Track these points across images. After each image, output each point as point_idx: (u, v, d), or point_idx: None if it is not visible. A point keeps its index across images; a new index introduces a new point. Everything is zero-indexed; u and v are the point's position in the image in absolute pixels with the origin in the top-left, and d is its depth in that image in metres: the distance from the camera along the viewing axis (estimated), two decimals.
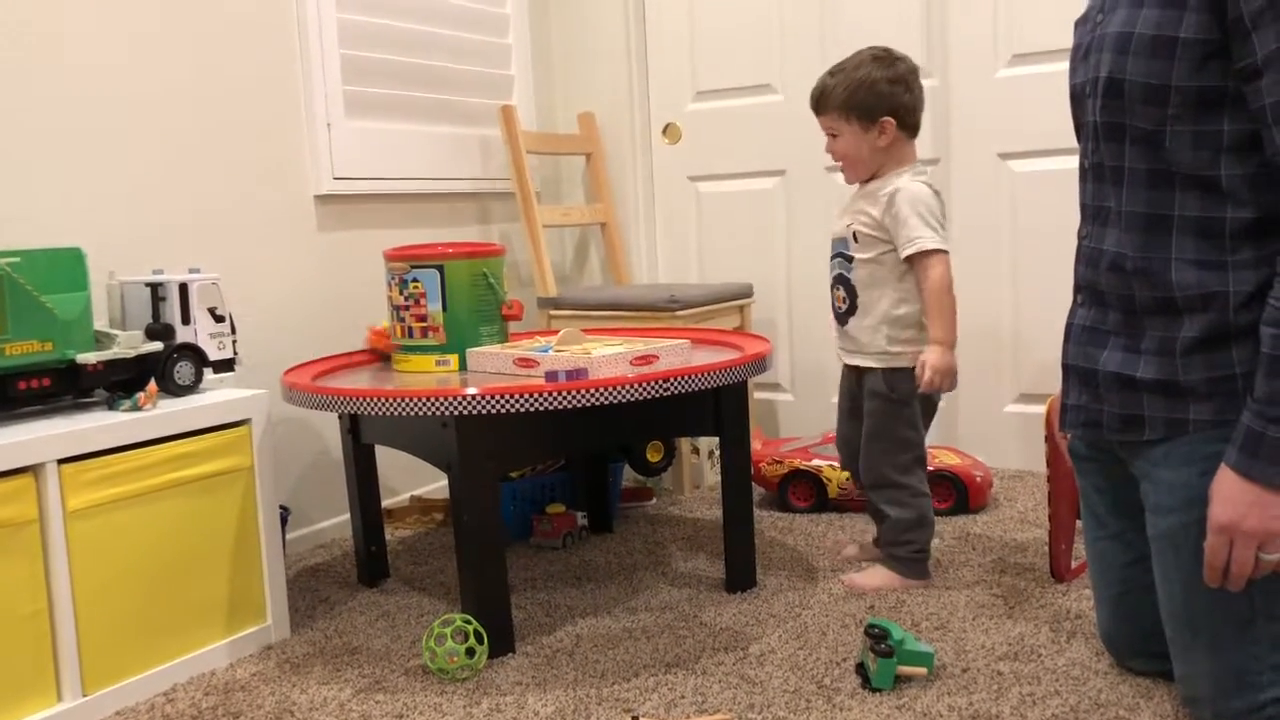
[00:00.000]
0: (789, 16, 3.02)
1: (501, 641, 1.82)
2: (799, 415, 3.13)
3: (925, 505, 2.05)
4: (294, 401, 1.93)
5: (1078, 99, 1.51)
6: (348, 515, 2.31)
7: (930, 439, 2.88)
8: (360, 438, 2.16)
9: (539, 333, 2.48)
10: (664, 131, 3.25)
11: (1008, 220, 2.80)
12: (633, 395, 1.76)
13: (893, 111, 1.99)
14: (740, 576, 2.07)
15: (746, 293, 2.94)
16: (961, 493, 2.49)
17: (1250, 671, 1.35)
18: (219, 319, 1.97)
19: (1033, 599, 1.94)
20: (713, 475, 2.87)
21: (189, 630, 1.80)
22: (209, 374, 1.94)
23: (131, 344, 1.82)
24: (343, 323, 2.57)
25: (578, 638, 1.88)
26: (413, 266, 2.06)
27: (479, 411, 1.72)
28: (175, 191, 2.23)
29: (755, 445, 2.63)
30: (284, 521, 2.21)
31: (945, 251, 1.98)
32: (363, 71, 2.65)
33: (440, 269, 2.04)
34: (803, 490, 2.59)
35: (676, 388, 1.80)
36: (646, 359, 1.93)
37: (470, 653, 1.74)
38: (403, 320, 2.08)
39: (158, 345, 1.86)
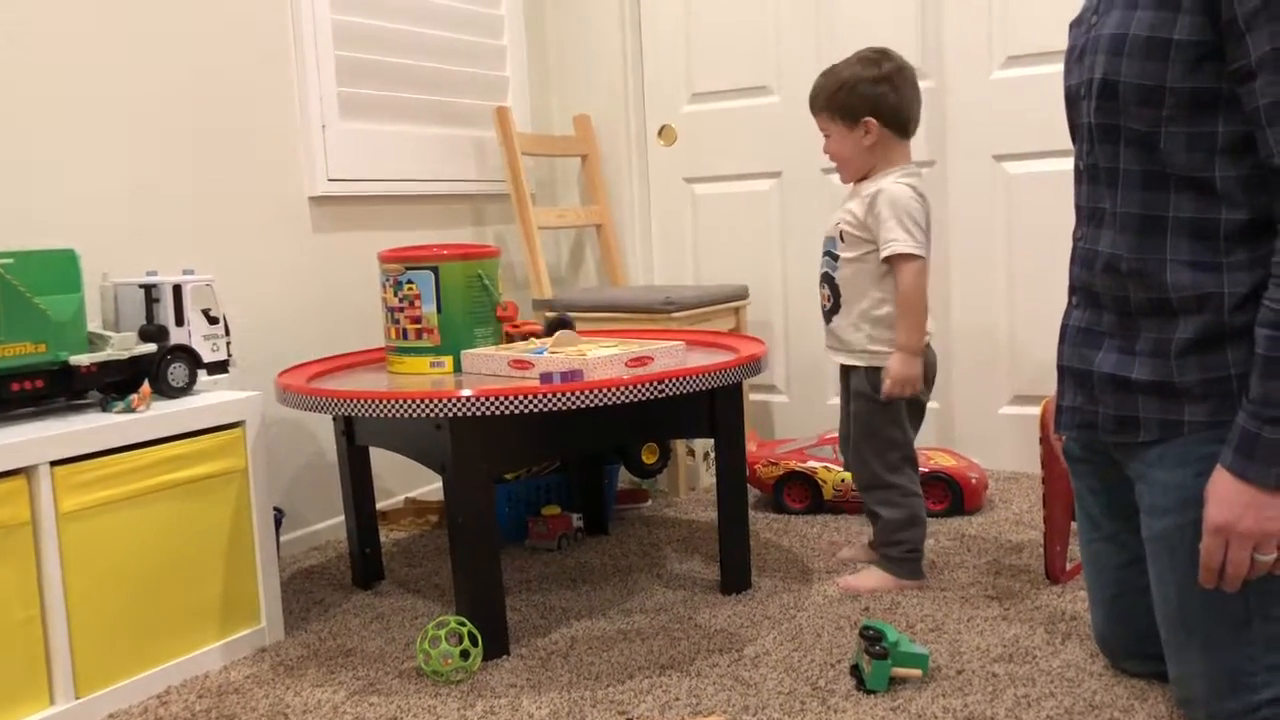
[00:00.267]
0: (785, 18, 3.02)
1: (496, 643, 1.81)
2: (794, 417, 3.13)
3: (916, 505, 2.05)
4: (288, 403, 1.92)
5: (1072, 101, 1.51)
6: (342, 517, 2.30)
7: (926, 440, 2.89)
8: (355, 439, 2.16)
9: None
10: (659, 133, 3.25)
11: (1003, 222, 2.80)
12: (628, 397, 1.75)
13: (875, 111, 2.00)
14: (735, 578, 2.07)
15: (742, 294, 2.94)
16: (956, 494, 2.50)
17: (1245, 672, 1.35)
18: (213, 320, 1.96)
19: (1028, 601, 1.94)
20: (708, 477, 2.87)
21: (183, 632, 1.79)
22: (203, 376, 1.93)
23: (125, 345, 1.82)
24: (337, 324, 2.56)
25: (572, 640, 1.88)
26: (407, 268, 2.05)
27: (473, 413, 1.72)
28: (169, 193, 2.23)
29: (750, 447, 2.63)
30: (278, 523, 2.21)
31: (920, 257, 1.97)
32: (357, 73, 2.65)
33: (435, 270, 2.04)
34: (798, 492, 2.59)
35: (671, 389, 1.80)
36: (641, 361, 1.93)
37: (465, 655, 1.74)
38: (397, 322, 2.08)
39: (151, 347, 1.85)
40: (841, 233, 2.05)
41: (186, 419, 1.80)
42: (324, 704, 1.68)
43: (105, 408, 1.78)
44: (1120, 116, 1.38)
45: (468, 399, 1.71)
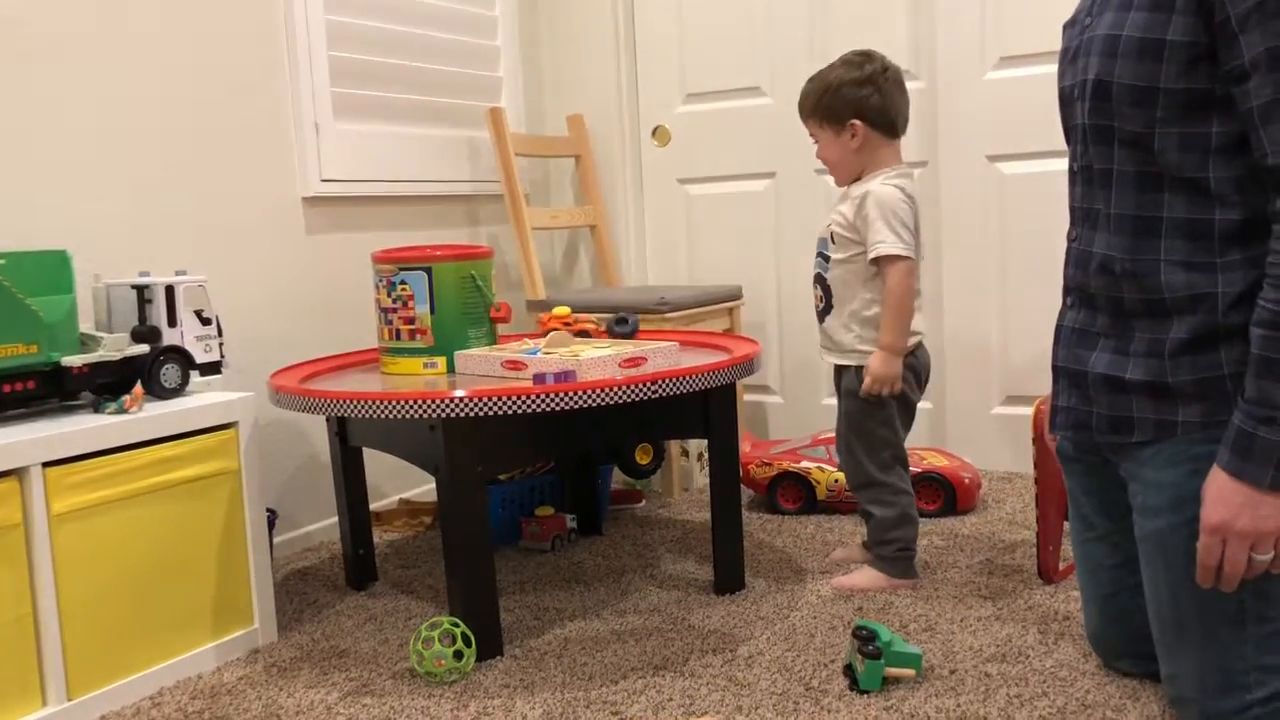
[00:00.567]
0: (778, 19, 3.02)
1: (489, 644, 1.81)
2: (788, 417, 3.13)
3: (907, 503, 2.06)
4: (281, 404, 1.92)
5: (1066, 102, 1.51)
6: (335, 518, 2.30)
7: (919, 440, 2.90)
8: (348, 440, 2.16)
9: (528, 335, 2.48)
10: (653, 134, 3.25)
11: (996, 222, 2.80)
12: (621, 398, 1.75)
13: (860, 114, 2.00)
14: (729, 579, 2.07)
15: (736, 295, 2.94)
16: (950, 494, 2.50)
17: (1237, 672, 1.35)
18: (205, 321, 1.96)
19: (1021, 600, 1.95)
20: (702, 477, 2.87)
21: (175, 634, 1.79)
22: (195, 377, 1.93)
23: (117, 347, 1.81)
24: (330, 325, 2.56)
25: (566, 640, 1.87)
26: (401, 269, 2.05)
27: (466, 414, 1.71)
28: (162, 193, 2.23)
29: (744, 447, 2.64)
30: (271, 524, 2.21)
31: (908, 258, 1.96)
32: (351, 73, 2.65)
33: (428, 271, 2.04)
34: (791, 492, 2.60)
35: (665, 390, 1.80)
36: (635, 361, 1.93)
37: (458, 655, 1.74)
38: (390, 323, 2.08)
39: (144, 348, 1.85)
40: (832, 234, 2.05)
41: (179, 420, 1.79)
42: (317, 705, 1.67)
43: (97, 409, 1.77)
44: (1114, 117, 1.38)
45: (461, 400, 1.71)
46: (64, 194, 2.05)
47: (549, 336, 2.12)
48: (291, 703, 1.69)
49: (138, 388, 1.79)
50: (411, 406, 1.72)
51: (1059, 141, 1.57)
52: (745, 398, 3.04)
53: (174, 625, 1.79)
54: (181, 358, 1.89)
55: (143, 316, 1.92)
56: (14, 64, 1.97)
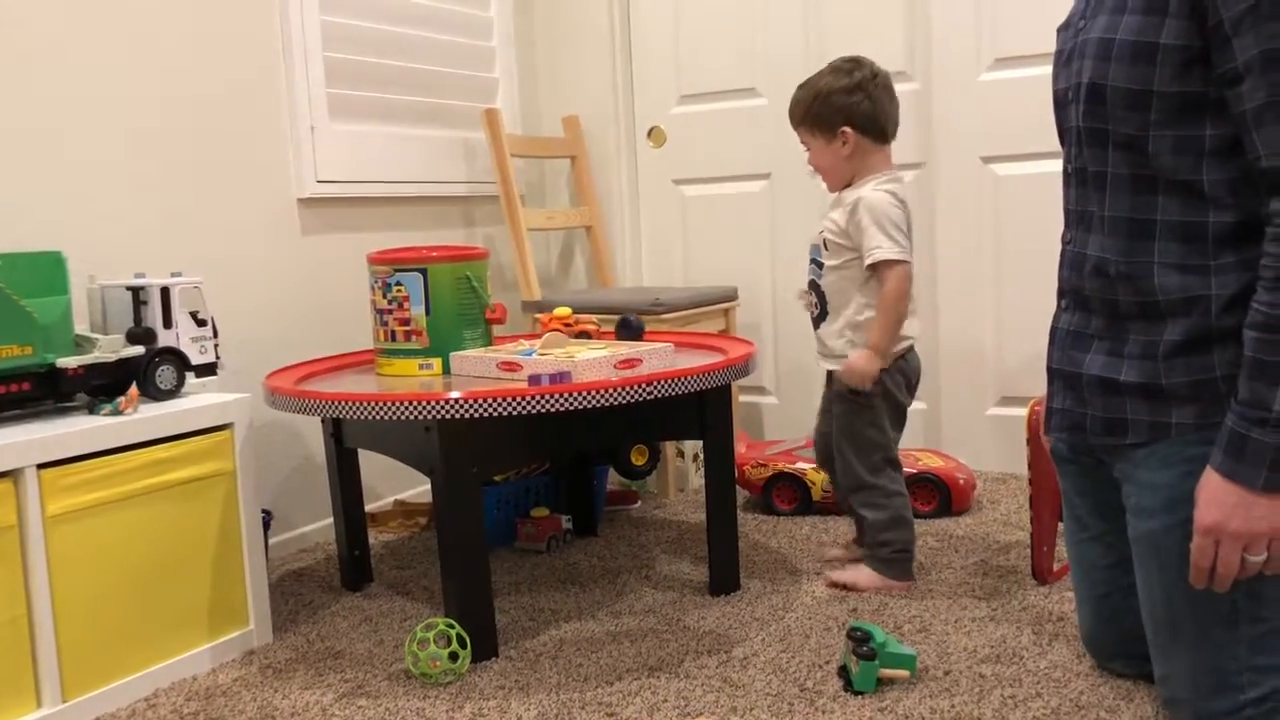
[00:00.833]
0: (773, 21, 3.02)
1: (484, 645, 1.81)
2: (783, 418, 3.14)
3: (900, 505, 2.06)
4: (277, 406, 1.92)
5: (1061, 105, 1.52)
6: (331, 519, 2.30)
7: (913, 442, 2.90)
8: (343, 442, 2.16)
9: (523, 336, 2.48)
10: (649, 135, 3.25)
11: (990, 224, 2.81)
12: (616, 399, 1.76)
13: (850, 120, 2.02)
14: (724, 579, 2.07)
15: (731, 296, 2.94)
16: (944, 495, 2.50)
17: (1230, 673, 1.35)
18: (201, 323, 1.96)
19: (1015, 601, 1.95)
20: (697, 478, 2.87)
21: (170, 635, 1.79)
22: (191, 378, 1.93)
23: (112, 348, 1.81)
24: (326, 326, 2.56)
25: (561, 641, 1.88)
26: (396, 270, 2.05)
27: (462, 415, 1.71)
28: (157, 194, 2.22)
29: (739, 448, 2.64)
30: (266, 526, 2.20)
31: (905, 261, 1.98)
32: (346, 74, 2.65)
33: (424, 272, 2.04)
34: (787, 493, 2.60)
35: (660, 391, 1.80)
36: (630, 362, 1.93)
37: (453, 657, 1.74)
38: (386, 324, 2.08)
39: (139, 349, 1.85)
40: (825, 241, 2.06)
41: (174, 421, 1.79)
42: (312, 706, 1.67)
43: (92, 410, 1.77)
44: (1108, 120, 1.39)
45: (456, 401, 1.71)
46: (59, 195, 2.05)
47: (544, 338, 2.12)
48: (287, 704, 1.69)
49: (133, 389, 1.79)
50: (407, 408, 1.72)
51: (1053, 143, 1.57)
52: (740, 399, 3.05)
53: (169, 626, 1.78)
54: (177, 359, 1.89)
55: (138, 318, 1.92)
56: (10, 65, 1.97)
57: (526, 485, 2.50)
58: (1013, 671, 1.66)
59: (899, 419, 2.10)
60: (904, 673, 1.63)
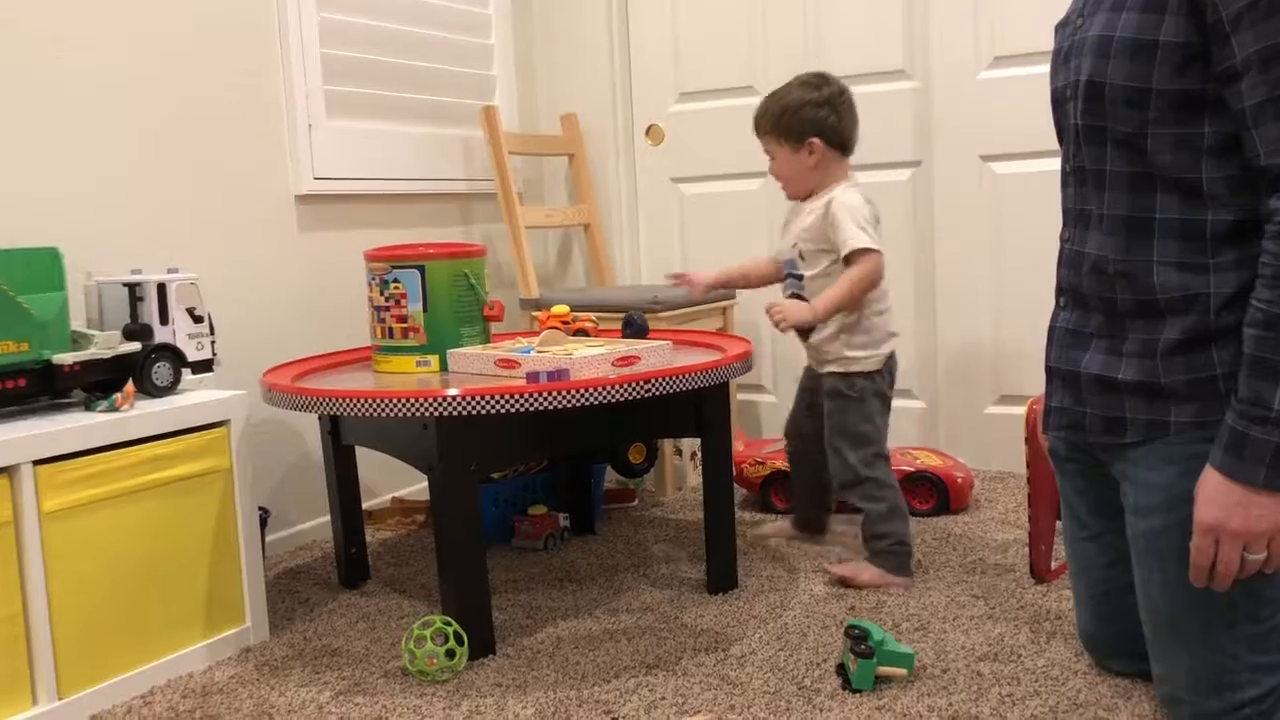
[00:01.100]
0: (772, 19, 3.02)
1: (481, 643, 1.81)
2: (781, 416, 3.09)
3: (895, 497, 2.09)
4: (273, 402, 1.92)
5: (1059, 103, 1.51)
6: (328, 517, 2.30)
7: (911, 440, 2.90)
8: (341, 439, 2.15)
9: (521, 334, 2.47)
10: (647, 133, 3.25)
11: (989, 222, 2.81)
12: (614, 396, 1.75)
13: (819, 132, 2.10)
14: (721, 577, 2.07)
15: (729, 294, 2.94)
16: (943, 494, 2.50)
17: (1229, 671, 1.35)
18: (198, 319, 1.95)
19: (1013, 600, 1.95)
20: (695, 476, 2.87)
21: (167, 632, 1.78)
22: (187, 375, 1.92)
23: (109, 344, 1.81)
24: (323, 323, 2.56)
25: (558, 639, 1.87)
26: (393, 267, 2.05)
27: (460, 413, 1.71)
28: (154, 191, 2.22)
29: (737, 446, 2.64)
30: (264, 523, 2.20)
31: (878, 251, 2.04)
32: (344, 71, 2.64)
33: (421, 269, 2.03)
34: (784, 491, 2.59)
35: (658, 389, 1.80)
36: (628, 360, 1.93)
37: (450, 654, 1.74)
38: (383, 321, 2.07)
39: (135, 346, 1.84)
40: (801, 253, 2.13)
41: (171, 418, 1.79)
42: (309, 704, 1.67)
43: (89, 407, 1.77)
44: (1107, 118, 1.38)
45: (454, 398, 1.70)
46: (55, 191, 2.05)
47: (542, 335, 2.12)
48: (283, 702, 1.68)
49: (129, 386, 1.79)
50: (404, 405, 1.72)
51: (1052, 142, 1.57)
52: (738, 397, 3.05)
53: (165, 624, 1.78)
54: (173, 355, 1.89)
55: (134, 314, 1.91)
56: (7, 61, 1.97)
57: (524, 483, 2.50)
58: (1010, 670, 1.66)
59: (887, 413, 2.15)
60: (902, 671, 1.63)
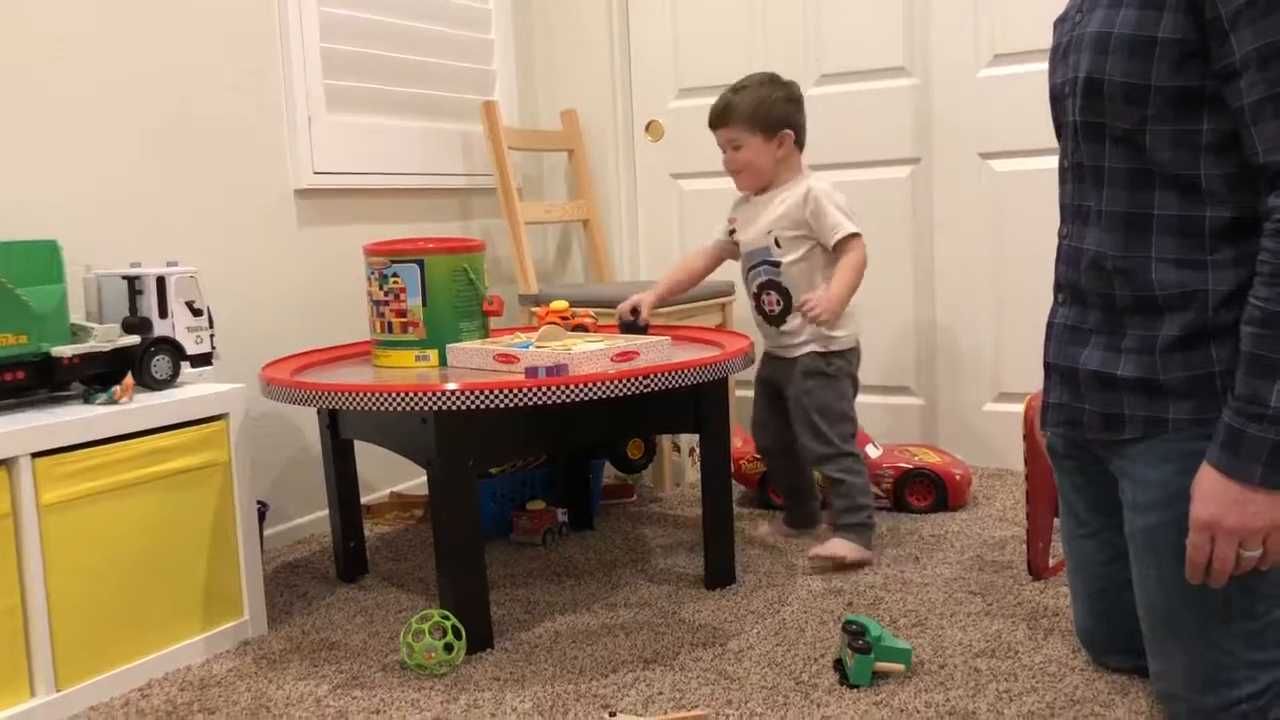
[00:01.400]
0: (772, 15, 3.02)
1: (479, 637, 1.81)
2: None
3: (866, 473, 2.22)
4: (272, 396, 1.92)
5: (1057, 99, 1.51)
6: (326, 511, 2.30)
7: (910, 437, 2.91)
8: (339, 433, 2.15)
9: (520, 329, 2.48)
10: (647, 128, 3.25)
11: (989, 220, 2.81)
12: (613, 392, 1.75)
13: (790, 125, 2.21)
14: (719, 573, 2.07)
15: (728, 291, 2.94)
16: (941, 491, 2.50)
17: (1225, 668, 1.35)
18: (197, 312, 1.96)
19: (1010, 596, 1.95)
20: (693, 472, 2.87)
21: (165, 625, 1.79)
22: (186, 368, 1.92)
23: (108, 337, 1.81)
24: (322, 317, 2.56)
25: (556, 634, 1.88)
26: (392, 261, 2.05)
27: (458, 407, 1.71)
28: (153, 184, 2.22)
29: (736, 442, 2.63)
30: (262, 517, 2.20)
31: (861, 235, 2.15)
32: (344, 66, 2.64)
33: (420, 264, 2.03)
34: None
35: (657, 384, 1.80)
36: (627, 355, 1.93)
37: (448, 648, 1.74)
38: (382, 315, 2.07)
39: (134, 339, 1.84)
40: (777, 239, 2.19)
41: (169, 411, 1.79)
42: (306, 697, 1.67)
43: (87, 400, 1.77)
44: (1105, 114, 1.38)
45: (453, 393, 1.70)
46: (55, 184, 2.05)
47: (541, 330, 2.12)
48: (281, 695, 1.69)
49: (128, 379, 1.79)
50: (403, 399, 1.72)
51: (1052, 139, 1.57)
52: (737, 393, 3.04)
53: (163, 617, 1.78)
54: (172, 349, 1.89)
55: (133, 307, 1.91)
56: (6, 55, 1.96)
57: (523, 478, 2.50)
58: (1008, 666, 1.66)
59: (856, 394, 2.27)
60: (899, 666, 1.64)
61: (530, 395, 1.71)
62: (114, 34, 2.14)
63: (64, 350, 1.74)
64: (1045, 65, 1.58)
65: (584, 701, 1.61)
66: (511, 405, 1.71)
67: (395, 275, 2.04)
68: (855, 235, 2.14)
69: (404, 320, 2.05)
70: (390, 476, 2.75)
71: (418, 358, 2.06)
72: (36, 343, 1.71)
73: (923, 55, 2.84)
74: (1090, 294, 1.45)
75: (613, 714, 1.53)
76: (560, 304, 2.31)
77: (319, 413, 2.19)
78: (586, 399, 1.74)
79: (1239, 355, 1.28)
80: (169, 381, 1.88)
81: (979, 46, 2.77)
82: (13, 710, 1.57)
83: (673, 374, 1.82)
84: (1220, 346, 1.33)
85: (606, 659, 1.76)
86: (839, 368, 2.21)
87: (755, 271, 2.25)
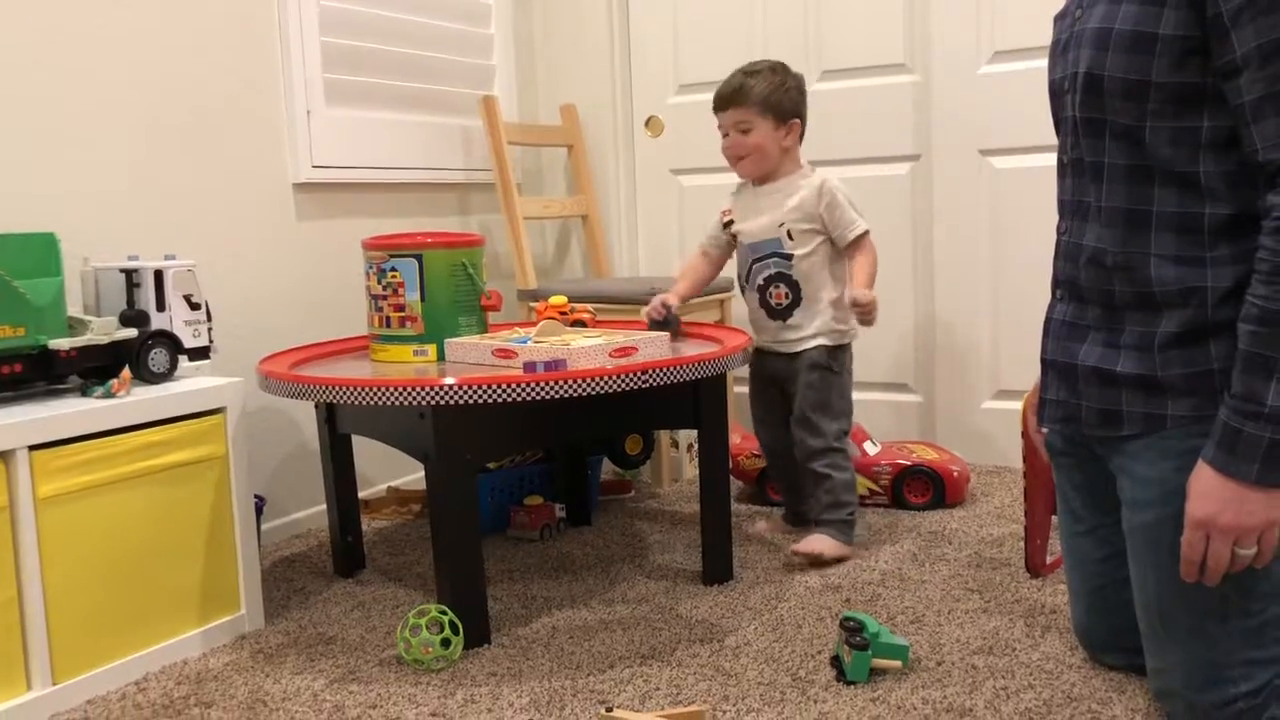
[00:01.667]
0: (772, 11, 3.01)
1: (477, 632, 1.81)
2: None
3: (853, 469, 2.23)
4: (270, 390, 1.91)
5: (1057, 94, 1.51)
6: (324, 505, 2.30)
7: (908, 434, 2.90)
8: (337, 427, 2.15)
9: (518, 324, 2.47)
10: (646, 124, 3.25)
11: (988, 216, 2.81)
12: (611, 387, 1.75)
13: (799, 114, 2.22)
14: (717, 569, 2.07)
15: (727, 286, 2.93)
16: (939, 488, 2.50)
17: (1223, 665, 1.35)
18: (195, 306, 1.95)
19: (1008, 593, 1.95)
20: (691, 468, 2.87)
21: (161, 619, 1.78)
22: (184, 361, 1.92)
23: (105, 330, 1.81)
24: (321, 311, 2.55)
25: (554, 629, 1.87)
26: (391, 255, 2.05)
27: (456, 402, 1.71)
28: (151, 177, 2.22)
29: (734, 438, 2.64)
30: (259, 511, 2.20)
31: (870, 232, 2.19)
32: (343, 59, 2.64)
33: (419, 258, 2.03)
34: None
35: (655, 380, 1.79)
36: (626, 351, 1.93)
37: (445, 643, 1.74)
38: (380, 310, 2.07)
39: (132, 332, 1.84)
40: (789, 232, 2.18)
41: (167, 405, 1.78)
42: (303, 691, 1.67)
43: (85, 393, 1.76)
44: (1105, 110, 1.38)
45: (451, 387, 1.70)
46: (53, 177, 2.04)
47: (540, 325, 2.11)
48: (278, 689, 1.68)
49: (125, 372, 1.79)
50: (401, 393, 1.72)
51: (1052, 136, 1.57)
52: (735, 389, 3.04)
53: (160, 610, 1.78)
54: (170, 342, 1.89)
55: (131, 300, 1.91)
56: (5, 48, 1.96)
57: (520, 473, 2.50)
58: (1005, 663, 1.66)
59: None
60: (896, 663, 1.64)
61: (528, 390, 1.71)
62: (112, 27, 2.13)
63: (61, 343, 1.74)
64: (1045, 62, 1.58)
65: (581, 697, 1.61)
66: (509, 400, 1.71)
67: (394, 270, 2.04)
68: (867, 232, 2.17)
69: (402, 315, 2.05)
70: (388, 471, 2.74)
71: (416, 352, 2.05)
72: (34, 335, 1.71)
73: (923, 51, 2.83)
74: (1089, 290, 1.45)
75: (610, 709, 1.53)
76: (559, 299, 2.31)
77: (317, 407, 2.18)
78: (585, 394, 1.74)
79: (1236, 353, 1.28)
80: (166, 375, 1.88)
81: (979, 43, 2.76)
82: (9, 703, 1.57)
83: (671, 370, 1.82)
84: (1219, 344, 1.33)
85: (604, 654, 1.76)
86: (843, 363, 2.22)
87: (763, 264, 2.23)
